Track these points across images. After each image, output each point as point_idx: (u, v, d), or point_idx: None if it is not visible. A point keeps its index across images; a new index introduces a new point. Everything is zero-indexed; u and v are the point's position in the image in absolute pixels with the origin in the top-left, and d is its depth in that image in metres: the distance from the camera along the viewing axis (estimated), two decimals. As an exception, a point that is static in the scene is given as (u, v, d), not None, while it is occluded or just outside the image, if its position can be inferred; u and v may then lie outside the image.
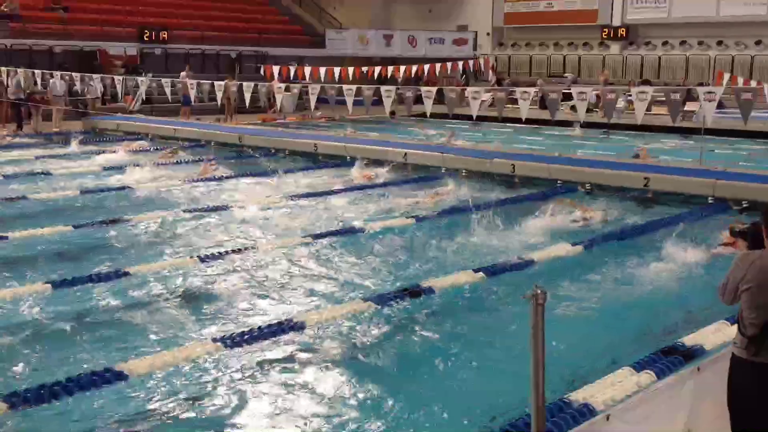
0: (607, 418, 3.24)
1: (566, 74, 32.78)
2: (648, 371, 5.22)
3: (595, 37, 34.46)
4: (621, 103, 20.03)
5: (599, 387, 5.02)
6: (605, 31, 34.04)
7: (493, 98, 20.32)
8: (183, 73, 24.31)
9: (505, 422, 4.60)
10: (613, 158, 15.28)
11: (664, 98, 16.02)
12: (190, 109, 24.06)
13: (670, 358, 5.50)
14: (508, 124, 23.04)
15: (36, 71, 22.24)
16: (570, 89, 16.97)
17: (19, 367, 5.65)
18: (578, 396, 4.86)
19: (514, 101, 17.88)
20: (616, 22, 33.78)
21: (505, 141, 19.95)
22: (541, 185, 13.30)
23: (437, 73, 27.63)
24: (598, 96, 19.00)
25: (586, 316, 6.92)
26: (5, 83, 22.00)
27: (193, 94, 20.77)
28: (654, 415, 3.45)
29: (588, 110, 16.29)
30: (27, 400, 4.86)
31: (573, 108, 19.56)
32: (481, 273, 7.82)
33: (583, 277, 8.23)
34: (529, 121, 18.53)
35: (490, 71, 32.16)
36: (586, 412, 4.67)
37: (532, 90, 16.55)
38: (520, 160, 14.35)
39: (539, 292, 3.02)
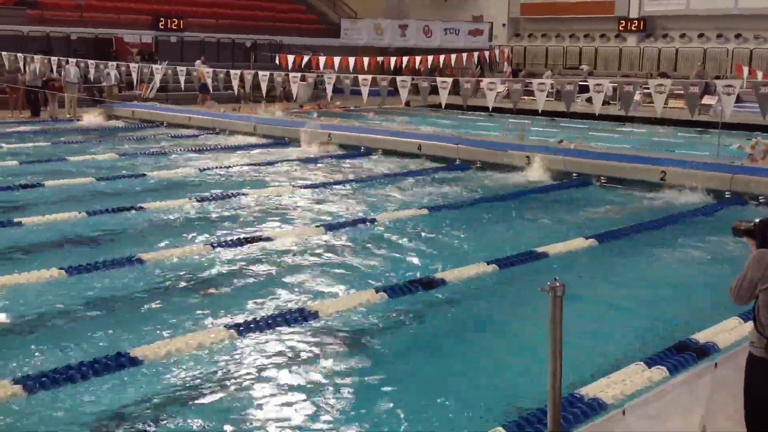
0: (623, 413, 3.22)
1: (582, 66, 32.58)
2: (660, 367, 5.19)
3: (612, 29, 34.20)
4: (637, 96, 19.89)
5: (610, 382, 5.00)
6: (622, 23, 33.78)
7: (508, 89, 20.20)
8: (198, 62, 24.33)
9: (518, 414, 4.58)
10: (630, 151, 15.19)
11: (681, 91, 15.87)
12: (209, 96, 24.09)
13: (683, 355, 5.47)
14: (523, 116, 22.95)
15: (52, 58, 22.29)
16: (586, 81, 16.87)
17: (33, 352, 5.67)
18: (589, 390, 4.84)
19: (530, 93, 17.78)
20: (634, 14, 33.51)
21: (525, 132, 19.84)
22: (556, 177, 13.23)
23: (453, 64, 27.53)
24: (614, 88, 18.87)
25: (597, 310, 6.88)
26: (22, 70, 22.08)
27: (209, 82, 20.78)
28: (670, 411, 3.42)
29: (604, 102, 16.17)
30: (42, 384, 4.90)
31: (589, 100, 19.44)
32: (493, 265, 7.79)
33: (595, 271, 8.19)
34: (544, 113, 18.44)
35: (506, 62, 32.00)
36: (597, 406, 4.66)
37: (548, 81, 16.44)
38: (535, 152, 14.27)
39: (558, 284, 2.99)
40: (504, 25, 37.20)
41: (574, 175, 13.19)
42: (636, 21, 33.50)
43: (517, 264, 7.95)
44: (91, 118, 21.30)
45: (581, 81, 18.26)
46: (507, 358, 5.93)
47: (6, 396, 4.78)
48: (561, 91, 18.05)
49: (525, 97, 19.96)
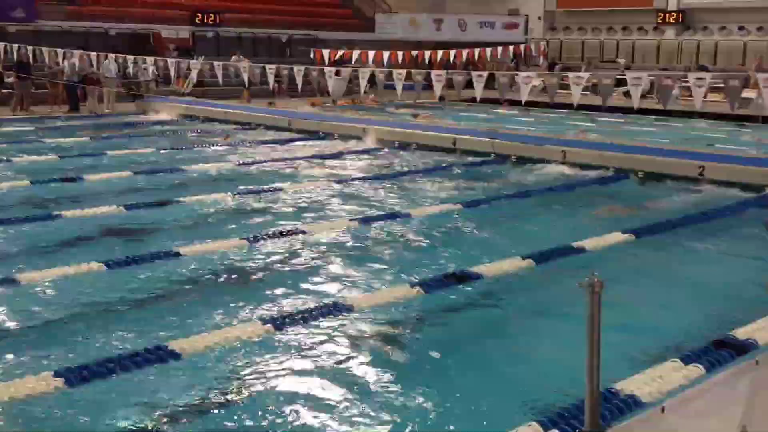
0: (662, 410, 3.18)
1: (619, 59, 32.21)
2: (697, 364, 5.13)
3: (649, 22, 33.74)
4: (676, 90, 19.61)
5: (646, 378, 4.95)
6: (660, 16, 33.30)
7: (544, 83, 20.04)
8: (234, 57, 24.50)
9: (554, 411, 4.56)
10: (668, 145, 15.00)
11: (721, 85, 15.61)
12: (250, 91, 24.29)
13: (721, 352, 5.40)
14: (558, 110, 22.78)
15: (91, 53, 22.61)
16: (623, 74, 16.68)
17: (74, 345, 5.77)
18: (624, 387, 4.80)
19: (566, 86, 17.64)
20: (672, 7, 33.02)
21: (555, 127, 19.72)
22: (593, 172, 13.11)
23: (488, 58, 27.37)
24: (651, 82, 18.62)
25: (633, 305, 6.82)
26: (61, 65, 22.44)
27: (246, 77, 20.95)
28: (709, 409, 3.37)
29: (642, 96, 15.98)
30: (83, 377, 4.98)
31: (626, 94, 19.23)
32: (529, 260, 7.76)
33: (632, 266, 8.11)
34: (580, 107, 18.28)
35: (542, 56, 31.76)
36: (632, 403, 4.62)
37: (584, 75, 16.29)
38: (572, 147, 14.17)
39: (596, 280, 2.97)
40: (540, 18, 36.90)
41: (611, 169, 13.06)
42: (674, 13, 33.00)
43: (554, 259, 7.89)
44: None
45: (618, 74, 18.07)
46: (542, 353, 5.90)
47: (48, 389, 4.86)
48: (598, 84, 17.89)
49: (560, 91, 19.82)
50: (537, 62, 32.45)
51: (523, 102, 17.71)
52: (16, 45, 22.68)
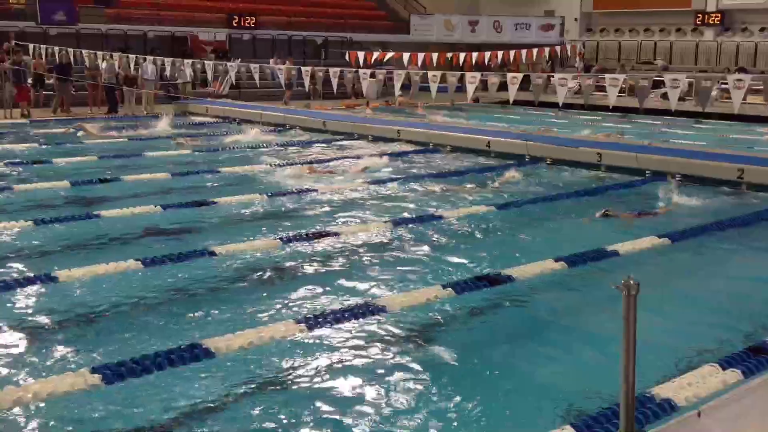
0: (699, 415, 3.15)
1: (657, 61, 31.86)
2: (734, 369, 5.06)
3: (688, 23, 33.33)
4: (715, 92, 19.37)
5: (682, 383, 4.90)
6: (699, 17, 32.88)
7: (579, 85, 19.92)
8: (271, 61, 24.70)
9: (588, 414, 4.53)
10: (706, 148, 14.80)
11: (761, 86, 15.38)
12: (291, 93, 24.47)
13: (759, 358, 5.32)
14: (595, 112, 22.61)
15: (130, 56, 22.94)
16: (661, 76, 16.51)
17: (111, 342, 5.86)
18: (660, 391, 4.76)
19: (602, 88, 17.51)
20: (711, 8, 32.59)
21: (592, 129, 19.56)
22: (628, 175, 12.99)
23: (523, 60, 27.27)
24: (690, 84, 18.42)
25: (668, 309, 6.74)
26: (100, 67, 22.80)
27: (282, 79, 21.11)
28: (746, 415, 3.33)
29: (680, 98, 15.80)
30: (120, 374, 5.05)
31: (663, 96, 19.02)
32: (562, 262, 7.71)
33: (667, 270, 8.02)
34: (616, 108, 18.12)
35: (578, 58, 31.53)
36: (668, 407, 4.57)
37: (621, 76, 16.15)
38: (607, 149, 14.05)
39: (631, 282, 2.96)
40: (576, 19, 36.65)
41: (647, 172, 12.92)
42: (714, 14, 32.55)
43: (587, 262, 7.84)
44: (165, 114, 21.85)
45: (656, 76, 17.88)
46: (574, 357, 5.86)
47: (85, 385, 4.94)
48: (635, 86, 17.72)
49: (596, 93, 19.68)
50: (573, 64, 32.22)
51: (560, 104, 17.61)
52: (57, 47, 23.10)
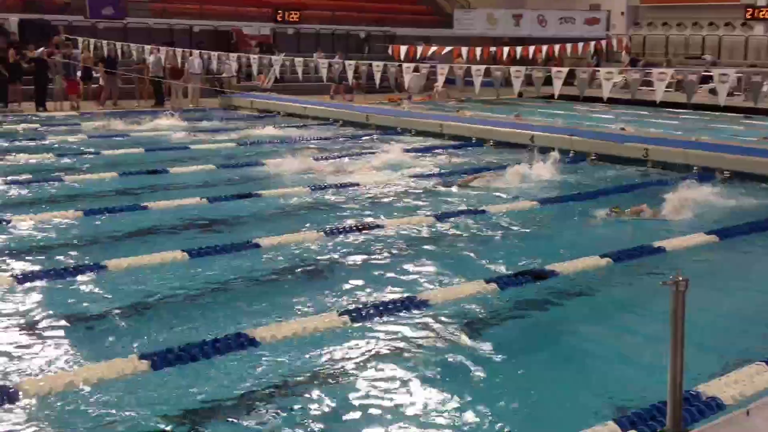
0: (747, 413, 3.12)
1: (705, 55, 31.28)
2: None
3: (738, 17, 32.62)
4: (765, 87, 18.98)
5: (729, 381, 4.83)
6: (749, 11, 32.16)
7: (625, 79, 19.66)
8: (315, 55, 24.81)
9: (633, 411, 4.50)
10: (756, 144, 14.51)
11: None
12: (344, 86, 24.54)
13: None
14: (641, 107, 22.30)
15: (176, 50, 23.24)
16: (710, 71, 16.23)
17: (159, 330, 5.96)
18: (706, 389, 4.70)
19: (648, 83, 17.26)
20: (762, 2, 31.85)
21: (638, 124, 19.31)
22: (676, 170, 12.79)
23: (568, 54, 26.99)
24: (739, 79, 18.07)
25: (715, 307, 6.65)
26: (147, 61, 23.13)
27: (324, 73, 21.19)
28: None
29: (728, 93, 15.52)
30: (167, 361, 5.15)
31: (712, 91, 18.70)
32: (608, 258, 7.64)
33: (715, 268, 7.90)
34: (663, 103, 17.85)
35: (624, 52, 31.11)
36: (714, 406, 4.51)
37: (669, 71, 15.91)
38: (654, 144, 13.86)
39: (680, 279, 2.93)
40: (622, 13, 36.12)
41: (695, 168, 12.71)
42: (765, 9, 31.81)
43: (633, 258, 7.76)
44: (210, 108, 22.06)
45: (704, 71, 17.57)
46: (619, 352, 5.81)
47: (133, 371, 5.05)
48: (682, 81, 17.45)
49: (643, 88, 19.39)
50: (619, 58, 31.80)
51: (605, 98, 17.41)
52: (105, 41, 23.50)
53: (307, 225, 9.19)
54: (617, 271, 7.55)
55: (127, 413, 4.66)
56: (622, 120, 20.41)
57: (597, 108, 22.89)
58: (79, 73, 22.54)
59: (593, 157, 14.10)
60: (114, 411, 4.69)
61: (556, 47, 26.38)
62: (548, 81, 17.72)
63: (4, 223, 8.86)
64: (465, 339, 5.90)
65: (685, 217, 9.58)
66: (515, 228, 9.25)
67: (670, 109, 21.90)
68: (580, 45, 27.05)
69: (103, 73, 22.76)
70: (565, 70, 17.39)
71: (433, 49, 26.22)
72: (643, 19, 36.41)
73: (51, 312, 6.27)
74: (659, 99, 15.71)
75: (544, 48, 26.15)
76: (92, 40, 24.02)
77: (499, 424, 4.65)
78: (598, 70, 17.95)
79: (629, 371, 5.44)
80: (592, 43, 27.98)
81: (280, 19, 30.61)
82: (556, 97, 18.73)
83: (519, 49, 25.94)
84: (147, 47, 23.11)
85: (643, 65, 26.76)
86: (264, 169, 13.02)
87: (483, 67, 19.16)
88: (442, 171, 12.91)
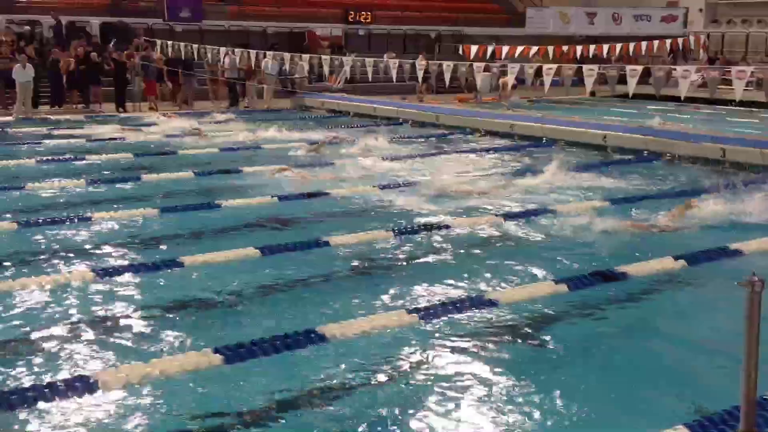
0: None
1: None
2: None
3: (822, 13, 31.43)
4: None
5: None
6: (836, 6, 30.95)
7: (703, 78, 19.17)
8: (386, 56, 24.91)
9: (704, 414, 4.42)
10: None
11: None
12: (426, 86, 24.63)
13: None
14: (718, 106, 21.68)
15: (251, 51, 23.67)
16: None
17: (231, 325, 6.11)
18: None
19: (727, 82, 16.79)
20: None
21: (715, 124, 18.80)
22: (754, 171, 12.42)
23: (643, 52, 26.42)
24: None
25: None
26: (222, 62, 23.63)
27: (394, 73, 21.29)
28: None
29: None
30: (240, 355, 5.29)
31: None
32: (682, 261, 7.49)
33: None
34: (742, 103, 17.36)
35: (702, 50, 30.28)
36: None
37: (748, 69, 15.45)
38: (732, 145, 13.48)
39: (756, 280, 2.88)
40: (701, 10, 35.16)
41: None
42: None
43: (708, 260, 7.59)
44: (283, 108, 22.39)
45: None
46: (690, 356, 5.70)
47: (208, 365, 5.20)
48: (763, 80, 16.92)
49: (721, 86, 18.87)
50: (696, 56, 30.98)
51: (682, 97, 17.01)
52: (182, 43, 24.11)
53: (375, 223, 9.27)
54: (692, 274, 7.39)
55: (200, 406, 4.81)
56: (696, 120, 19.90)
57: (673, 107, 22.37)
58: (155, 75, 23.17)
59: (668, 157, 13.80)
60: (188, 403, 4.84)
61: (631, 45, 25.86)
62: (623, 79, 17.40)
63: (87, 220, 9.21)
64: (533, 339, 5.88)
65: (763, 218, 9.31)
66: (586, 228, 9.11)
67: (749, 109, 21.24)
68: (656, 43, 26.42)
69: (179, 75, 23.26)
70: (640, 68, 17.04)
71: (506, 50, 25.99)
72: (722, 16, 35.37)
73: (129, 305, 6.50)
74: (739, 98, 15.28)
75: (618, 46, 25.66)
76: (169, 43, 24.67)
77: (568, 425, 4.62)
78: (675, 69, 17.55)
79: (702, 374, 5.34)
80: (669, 41, 27.31)
81: (351, 20, 30.88)
82: (630, 95, 18.38)
83: (592, 47, 25.53)
84: (222, 49, 23.60)
85: (721, 64, 26.02)
86: (333, 168, 13.12)
87: (555, 66, 18.93)
88: (511, 171, 12.82)
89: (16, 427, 4.53)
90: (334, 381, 5.17)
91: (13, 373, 5.20)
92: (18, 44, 22.34)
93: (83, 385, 4.88)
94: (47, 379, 5.07)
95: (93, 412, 4.69)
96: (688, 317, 6.56)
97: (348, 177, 12.32)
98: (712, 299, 6.87)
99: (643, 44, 25.88)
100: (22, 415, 4.62)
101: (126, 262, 7.59)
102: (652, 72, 16.75)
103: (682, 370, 5.46)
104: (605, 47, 25.36)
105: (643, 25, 33.39)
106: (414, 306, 6.36)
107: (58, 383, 4.92)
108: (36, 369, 5.28)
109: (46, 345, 5.68)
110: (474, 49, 26.55)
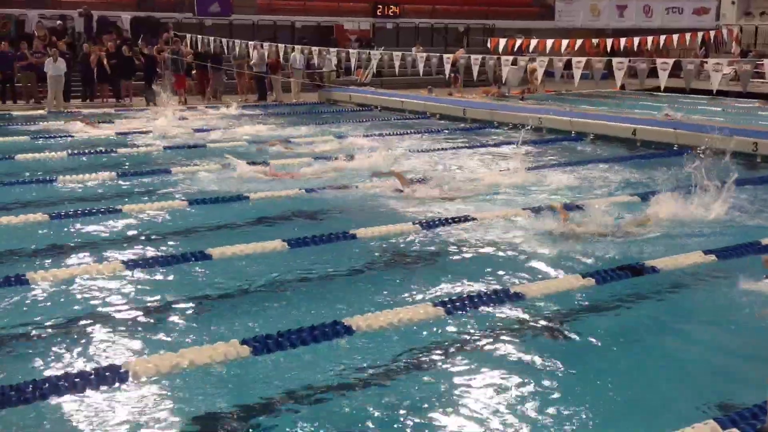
0: None
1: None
2: None
3: None
4: None
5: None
6: None
7: (736, 71, 18.89)
8: (414, 49, 24.84)
9: (733, 410, 4.38)
10: None
11: None
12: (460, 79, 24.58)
13: None
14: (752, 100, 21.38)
15: (279, 45, 23.73)
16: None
17: (259, 316, 6.16)
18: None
19: (760, 75, 16.55)
20: None
21: (748, 117, 18.53)
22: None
23: (674, 45, 26.09)
24: None
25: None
26: (250, 56, 23.72)
27: (421, 66, 21.23)
28: None
29: None
30: (267, 346, 5.32)
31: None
32: (712, 255, 7.41)
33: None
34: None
35: (734, 42, 29.85)
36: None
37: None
38: (765, 139, 13.29)
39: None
40: (733, 2, 34.67)
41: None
42: None
43: (739, 255, 7.50)
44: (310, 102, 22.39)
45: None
46: (719, 351, 5.65)
47: (235, 355, 5.24)
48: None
49: (754, 80, 18.60)
50: (729, 49, 30.55)
51: (714, 91, 16.79)
52: (211, 38, 24.23)
53: (402, 216, 9.27)
54: (722, 269, 7.30)
55: (229, 396, 4.85)
56: (728, 113, 19.65)
57: (704, 100, 22.09)
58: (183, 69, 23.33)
59: (698, 151, 13.61)
60: (217, 393, 4.89)
61: (662, 38, 25.56)
62: (653, 72, 17.19)
63: (116, 212, 9.31)
64: (560, 333, 5.86)
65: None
66: (614, 222, 9.03)
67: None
68: (688, 36, 26.09)
69: (209, 68, 23.37)
70: (671, 61, 16.83)
71: (535, 42, 25.80)
72: (756, 8, 34.84)
73: (158, 297, 6.57)
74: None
75: (649, 39, 25.38)
76: (199, 37, 24.81)
77: (595, 418, 4.60)
78: (706, 62, 17.32)
79: (732, 369, 5.30)
80: (701, 34, 26.95)
81: (379, 14, 30.85)
82: (662, 89, 18.16)
83: (623, 40, 25.26)
84: (251, 43, 23.69)
85: (754, 57, 25.64)
86: (358, 161, 13.08)
87: (584, 59, 18.75)
88: (538, 165, 12.75)
89: (48, 415, 4.61)
90: (360, 372, 5.19)
91: (44, 362, 5.29)
92: (50, 39, 22.60)
93: (113, 375, 4.94)
94: (78, 368, 5.14)
95: (123, 401, 4.75)
96: (717, 311, 6.48)
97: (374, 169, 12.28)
98: (742, 294, 6.76)
99: (675, 37, 25.57)
100: (54, 403, 4.69)
101: (155, 254, 7.67)
102: (682, 65, 16.51)
103: (711, 365, 5.42)
104: (635, 40, 25.08)
105: (674, 17, 33.01)
106: (440, 299, 6.35)
107: (89, 372, 4.99)
108: (67, 359, 5.36)
109: (76, 335, 5.76)
110: (502, 42, 26.39)
